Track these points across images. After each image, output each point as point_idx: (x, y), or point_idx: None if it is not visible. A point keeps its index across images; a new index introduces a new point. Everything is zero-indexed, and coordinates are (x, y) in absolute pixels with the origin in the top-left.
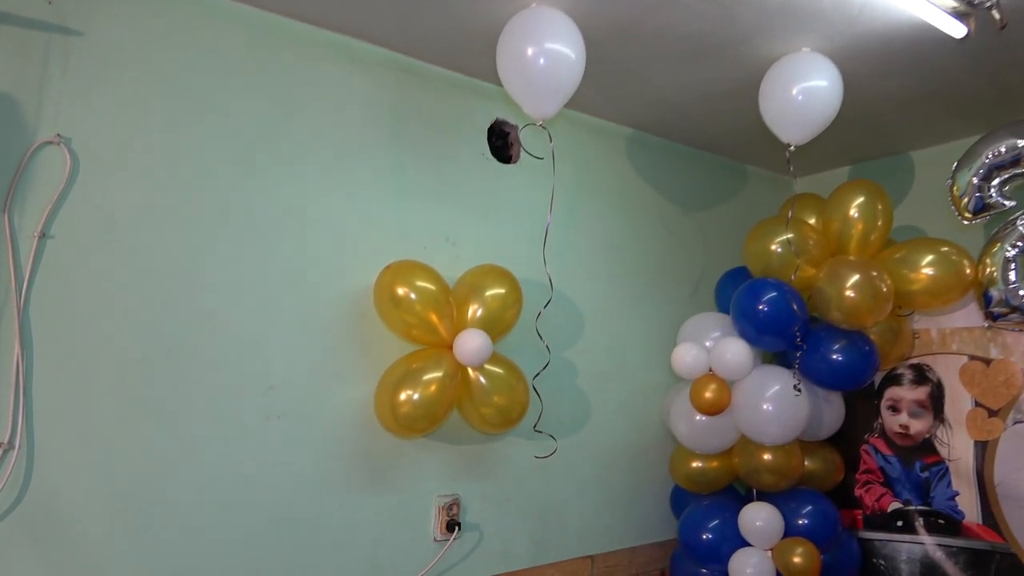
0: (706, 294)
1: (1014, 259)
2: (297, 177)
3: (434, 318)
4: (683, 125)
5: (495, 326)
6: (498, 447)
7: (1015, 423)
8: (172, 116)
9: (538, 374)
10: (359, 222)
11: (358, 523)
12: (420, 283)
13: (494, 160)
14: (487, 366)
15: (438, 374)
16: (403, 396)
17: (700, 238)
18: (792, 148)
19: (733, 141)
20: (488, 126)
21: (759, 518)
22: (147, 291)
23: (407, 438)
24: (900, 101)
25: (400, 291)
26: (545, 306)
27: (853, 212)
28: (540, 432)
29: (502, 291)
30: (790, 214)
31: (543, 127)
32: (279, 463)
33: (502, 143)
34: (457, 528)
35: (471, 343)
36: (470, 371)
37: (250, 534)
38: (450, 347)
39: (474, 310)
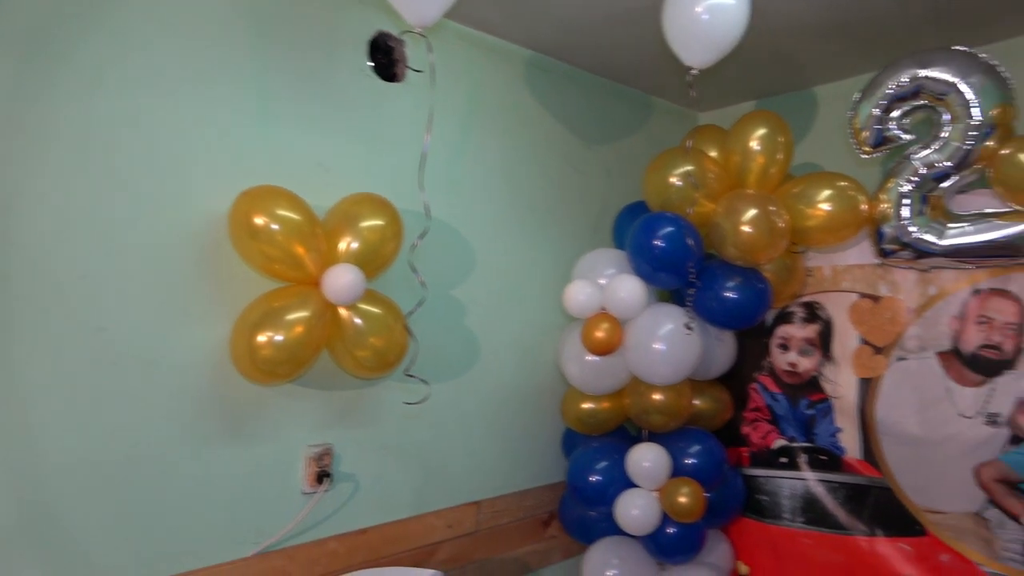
0: (607, 230)
1: (908, 195)
2: (140, 91)
3: (300, 251)
4: (586, 49)
5: (372, 261)
6: (375, 392)
7: (898, 360)
8: None
9: (411, 312)
10: (214, 143)
11: (213, 478)
12: (282, 212)
13: (376, 77)
14: (362, 305)
15: (304, 314)
16: (263, 338)
17: (602, 171)
18: (695, 72)
19: (638, 69)
20: (369, 39)
21: (647, 459)
22: None
23: (268, 384)
24: (807, 30)
25: (259, 220)
26: (420, 237)
27: (754, 144)
28: (412, 376)
29: (380, 222)
30: (689, 144)
31: (422, 35)
32: (116, 413)
33: (386, 59)
34: (328, 479)
35: (341, 280)
36: (341, 310)
37: (86, 492)
38: (318, 284)
39: (348, 243)
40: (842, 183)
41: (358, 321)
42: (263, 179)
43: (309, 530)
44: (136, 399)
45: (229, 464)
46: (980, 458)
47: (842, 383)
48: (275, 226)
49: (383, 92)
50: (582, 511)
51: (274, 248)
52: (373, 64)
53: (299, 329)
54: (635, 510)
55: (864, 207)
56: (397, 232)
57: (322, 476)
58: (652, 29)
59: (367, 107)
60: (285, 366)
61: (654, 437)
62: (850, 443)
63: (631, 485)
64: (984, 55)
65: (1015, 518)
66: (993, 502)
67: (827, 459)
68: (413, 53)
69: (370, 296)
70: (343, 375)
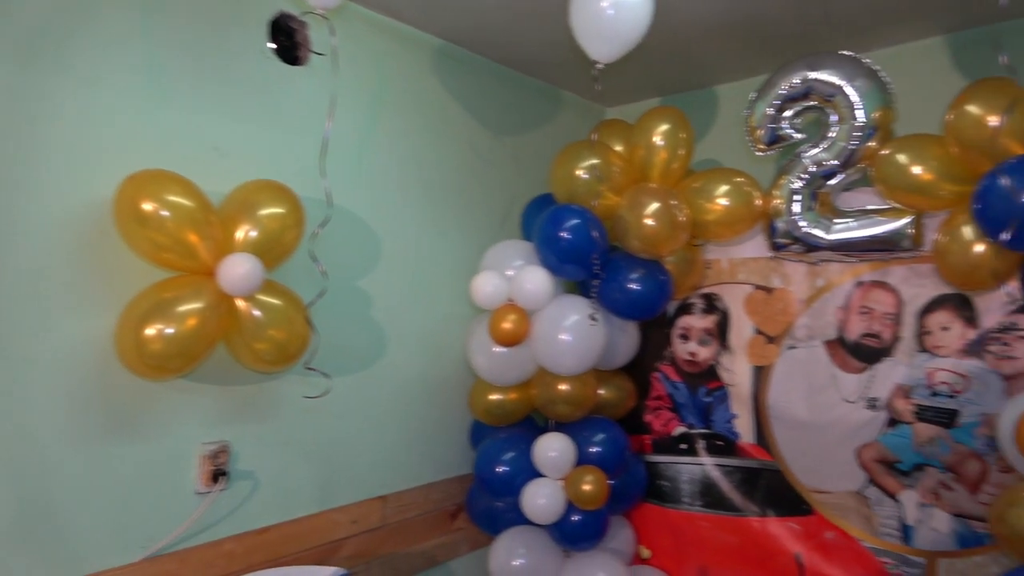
0: (515, 221)
1: (799, 191)
2: (16, 65)
3: (193, 239)
4: (496, 40)
5: (272, 250)
6: (275, 386)
7: (789, 349)
8: None
9: (312, 303)
10: (100, 124)
11: (98, 479)
12: (173, 198)
13: (277, 60)
14: (261, 296)
15: (198, 305)
16: (152, 331)
17: (511, 163)
18: (600, 66)
19: (547, 62)
20: (270, 20)
21: (553, 448)
22: None
23: (158, 379)
24: (708, 30)
25: (147, 206)
26: (321, 225)
27: (657, 139)
28: (313, 370)
29: (280, 210)
30: (594, 137)
31: (325, 17)
32: None
33: (288, 41)
34: (224, 477)
35: (238, 269)
36: (239, 302)
37: None
38: (213, 274)
39: (245, 232)
40: (739, 179)
41: (257, 313)
42: (152, 163)
43: (204, 531)
44: (10, 397)
45: (115, 464)
46: (861, 440)
47: (738, 371)
48: (165, 212)
49: (285, 75)
50: (489, 502)
51: (164, 236)
52: (274, 46)
53: (192, 321)
54: (541, 499)
55: (759, 202)
56: (298, 220)
57: (218, 475)
58: (560, 22)
59: (268, 90)
60: (176, 360)
61: (560, 427)
62: (744, 428)
63: (537, 475)
64: (867, 60)
65: (892, 496)
66: (872, 481)
67: (723, 444)
68: (316, 36)
69: (269, 287)
70: (240, 369)
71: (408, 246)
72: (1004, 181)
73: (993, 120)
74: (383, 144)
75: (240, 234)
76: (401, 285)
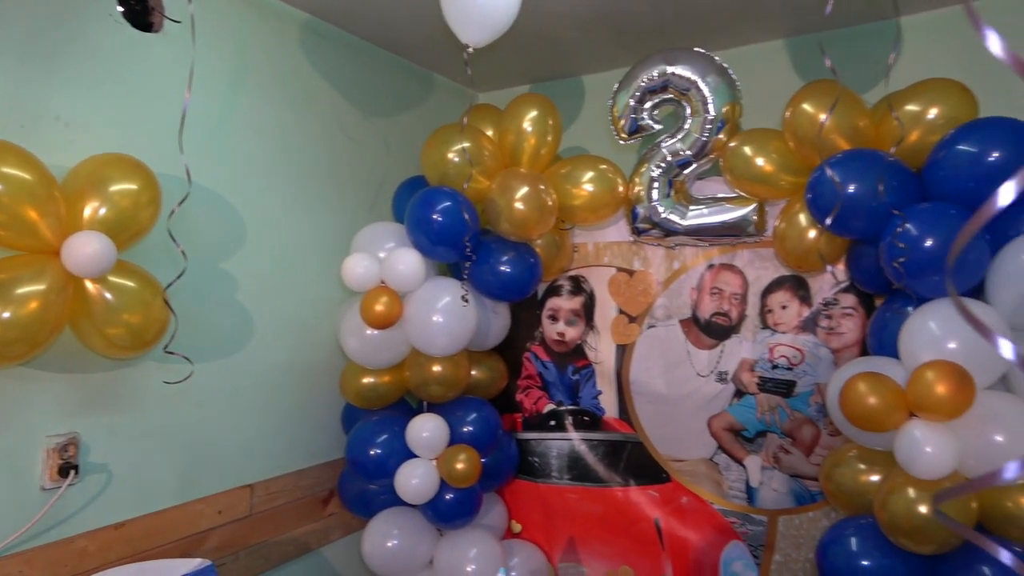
0: (386, 203)
1: (657, 179)
2: None
3: (32, 216)
4: (368, 19)
5: (125, 229)
6: (131, 373)
7: (648, 327)
8: None
9: (171, 284)
10: None
11: None
12: (8, 169)
13: (127, 24)
14: (112, 278)
15: (39, 287)
16: None
17: (382, 145)
18: (470, 50)
19: (419, 43)
20: None
21: (425, 429)
22: None
23: None
24: (575, 19)
25: None
26: (180, 203)
27: (527, 125)
28: (172, 354)
29: (134, 187)
30: (464, 121)
31: None
32: None
33: (139, 5)
34: (73, 472)
35: (85, 249)
36: (88, 284)
37: None
38: (58, 254)
39: (95, 208)
40: (603, 166)
41: (108, 296)
42: None
43: (52, 529)
44: None
45: None
46: (712, 411)
47: (602, 350)
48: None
49: (137, 43)
50: (362, 486)
51: None
52: (123, 9)
53: (33, 304)
54: (414, 479)
55: (621, 189)
56: (153, 198)
57: (66, 468)
58: (431, 3)
59: (117, 58)
60: (16, 347)
61: (433, 408)
62: (609, 404)
63: (411, 456)
64: (718, 58)
65: (738, 461)
66: (722, 448)
67: (589, 420)
68: (172, 2)
69: (122, 268)
70: (91, 355)
71: (275, 227)
72: (829, 173)
73: (822, 117)
74: (246, 121)
75: (88, 211)
76: (268, 267)
